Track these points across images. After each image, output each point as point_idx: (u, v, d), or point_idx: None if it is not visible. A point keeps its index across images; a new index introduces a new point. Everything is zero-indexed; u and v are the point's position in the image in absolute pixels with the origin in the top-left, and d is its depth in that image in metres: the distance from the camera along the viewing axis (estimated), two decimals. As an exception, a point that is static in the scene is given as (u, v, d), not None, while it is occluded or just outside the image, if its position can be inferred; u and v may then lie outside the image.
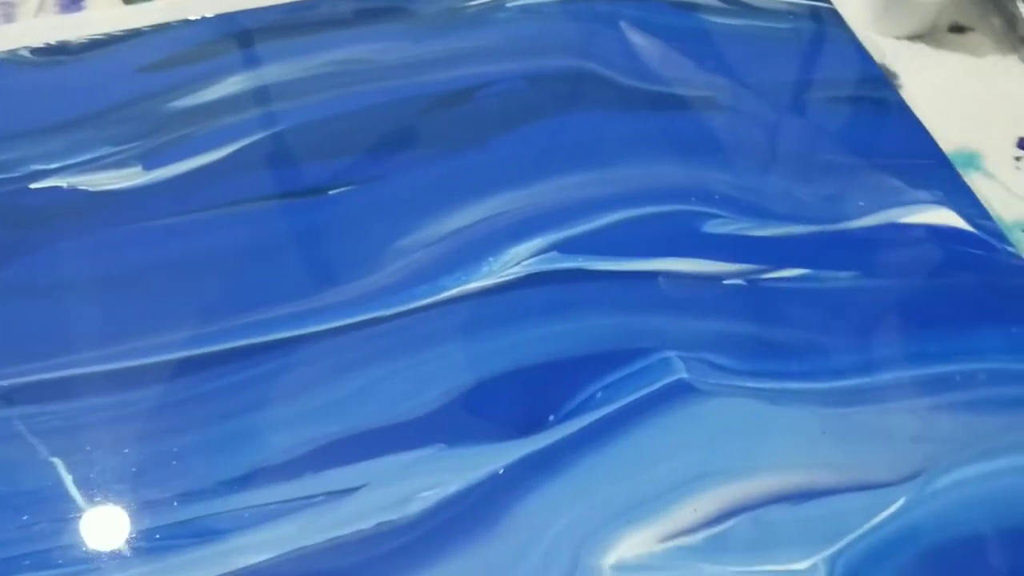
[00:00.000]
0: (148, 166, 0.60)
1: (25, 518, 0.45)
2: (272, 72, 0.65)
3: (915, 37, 0.72)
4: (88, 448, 0.48)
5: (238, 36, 0.68)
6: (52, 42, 0.66)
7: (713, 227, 0.58)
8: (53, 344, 0.52)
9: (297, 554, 0.45)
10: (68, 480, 0.47)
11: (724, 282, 0.55)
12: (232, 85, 0.65)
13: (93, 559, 0.45)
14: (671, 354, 0.51)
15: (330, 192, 0.59)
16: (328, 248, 0.56)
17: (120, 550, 0.45)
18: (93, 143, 0.61)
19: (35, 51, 0.66)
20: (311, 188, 0.59)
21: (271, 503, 0.47)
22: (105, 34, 0.68)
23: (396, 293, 0.54)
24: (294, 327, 0.52)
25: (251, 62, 0.66)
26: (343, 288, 0.54)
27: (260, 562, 0.45)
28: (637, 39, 0.70)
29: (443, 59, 0.68)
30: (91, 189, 0.59)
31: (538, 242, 0.56)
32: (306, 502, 0.47)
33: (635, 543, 0.45)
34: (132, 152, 0.60)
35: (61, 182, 0.59)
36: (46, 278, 0.55)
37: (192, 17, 0.69)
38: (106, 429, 0.49)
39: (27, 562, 0.44)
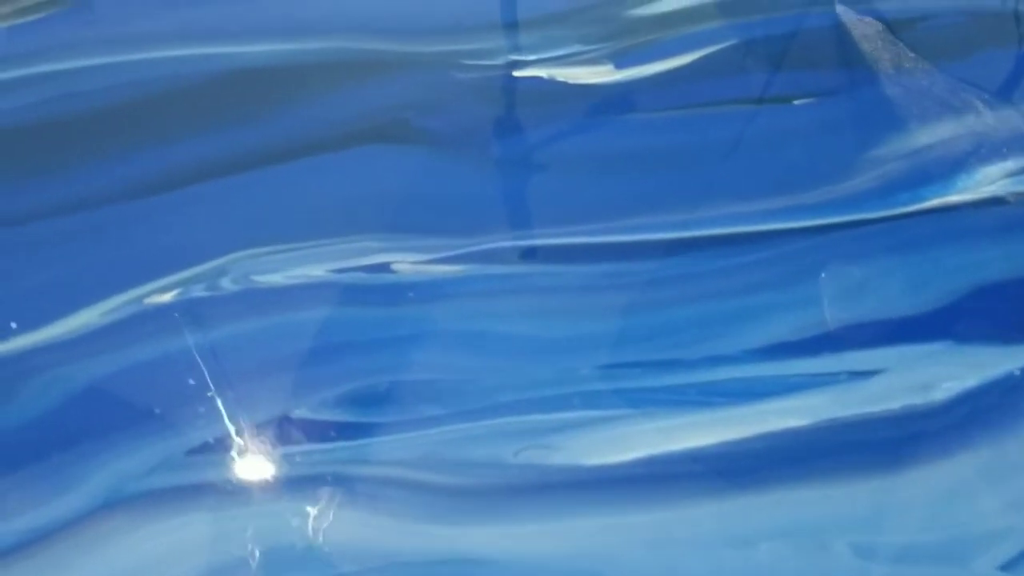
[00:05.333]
0: (619, 65, 0.63)
1: (560, 367, 0.49)
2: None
3: None
4: (608, 308, 0.51)
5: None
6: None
7: None
8: (559, 212, 0.56)
9: (829, 423, 0.47)
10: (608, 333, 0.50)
11: None
12: (682, -1, 0.67)
13: (640, 403, 0.47)
14: None
15: (795, 102, 0.61)
16: (801, 152, 0.58)
17: (657, 404, 0.48)
18: (564, 40, 0.64)
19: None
20: (777, 96, 0.61)
21: (796, 375, 0.49)
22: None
23: (879, 198, 0.55)
24: (779, 220, 0.54)
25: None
26: (824, 189, 0.56)
27: (798, 427, 0.47)
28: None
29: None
30: (569, 81, 0.62)
31: (1009, 165, 0.57)
32: (830, 378, 0.49)
33: None
34: (602, 52, 0.64)
35: (542, 72, 0.62)
36: (541, 155, 0.58)
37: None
38: (618, 293, 0.52)
39: (576, 401, 0.48)
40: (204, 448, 0.48)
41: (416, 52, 0.64)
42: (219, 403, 0.49)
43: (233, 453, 0.48)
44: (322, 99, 0.62)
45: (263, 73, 0.63)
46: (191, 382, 0.50)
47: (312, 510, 0.45)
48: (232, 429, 0.48)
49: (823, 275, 0.52)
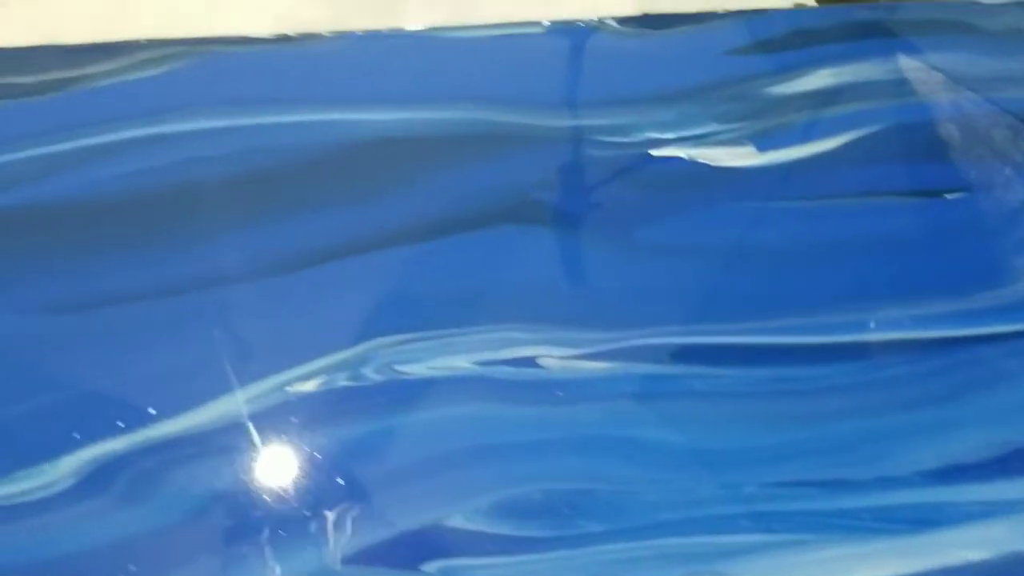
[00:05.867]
0: (760, 147, 0.61)
1: (723, 483, 0.47)
2: (859, 70, 0.65)
3: None
4: (770, 418, 0.49)
5: (814, 32, 0.68)
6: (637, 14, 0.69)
7: None
8: (709, 306, 0.54)
9: (1015, 556, 0.45)
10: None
11: None
12: (823, 78, 0.65)
13: (812, 528, 0.45)
14: None
15: (947, 196, 0.58)
16: (962, 250, 0.56)
17: (830, 530, 0.46)
18: (701, 118, 0.62)
19: (621, 21, 0.69)
20: (926, 189, 0.59)
21: (973, 501, 0.46)
22: (673, 12, 0.69)
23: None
24: (948, 326, 0.52)
25: (835, 58, 0.66)
26: (992, 293, 0.54)
27: (979, 560, 0.45)
28: None
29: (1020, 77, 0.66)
30: (710, 163, 0.60)
31: None
32: (1008, 507, 0.46)
33: None
34: (741, 132, 0.62)
35: (680, 152, 0.61)
36: (684, 242, 0.56)
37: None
38: (779, 402, 0.50)
39: (743, 523, 0.45)
40: (356, 558, 0.46)
41: (547, 126, 0.62)
42: (369, 505, 0.47)
43: (382, 563, 0.46)
44: (452, 173, 0.60)
45: (389, 143, 0.61)
46: (339, 481, 0.48)
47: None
48: (383, 535, 0.46)
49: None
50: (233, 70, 0.65)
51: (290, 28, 0.70)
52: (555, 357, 0.52)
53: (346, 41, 0.67)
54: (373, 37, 0.68)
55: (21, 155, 0.60)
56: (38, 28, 0.70)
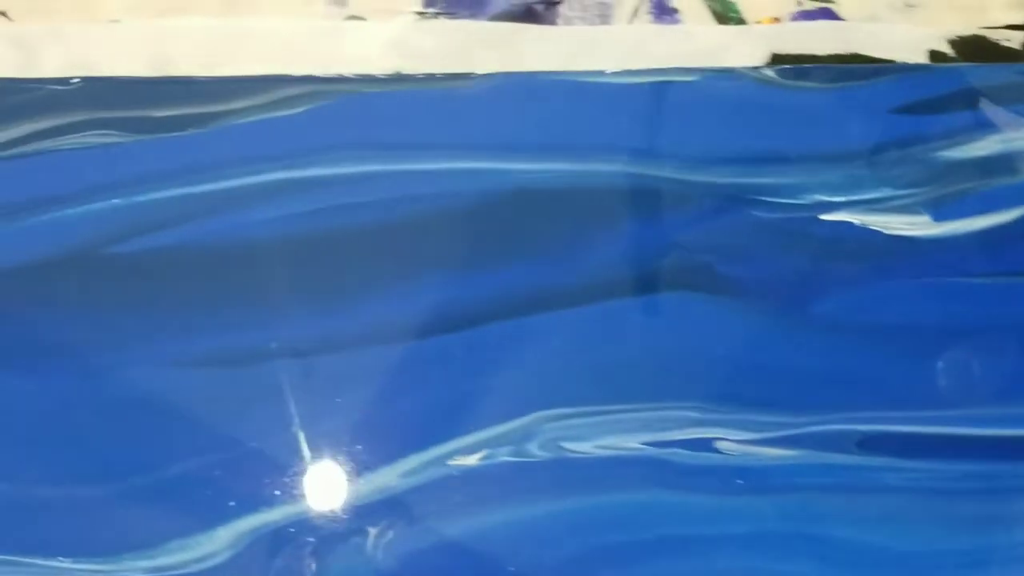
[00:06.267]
0: (937, 217, 0.57)
1: None
2: (1035, 134, 0.61)
3: None
4: (969, 520, 0.46)
5: (980, 92, 0.64)
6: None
7: None
8: (898, 390, 0.51)
9: None
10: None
11: None
12: (996, 144, 0.61)
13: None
14: None
15: None
16: None
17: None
18: (871, 182, 0.59)
19: (781, 72, 0.65)
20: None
21: None
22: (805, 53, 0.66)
23: None
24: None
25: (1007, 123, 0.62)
26: None
27: None
28: None
29: None
30: (884, 231, 0.56)
31: None
32: None
33: None
34: (916, 199, 0.58)
35: (852, 218, 0.57)
36: (864, 318, 0.53)
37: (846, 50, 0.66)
38: (980, 501, 0.46)
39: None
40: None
41: (705, 183, 0.58)
42: (541, 599, 0.44)
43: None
44: (605, 231, 0.56)
45: (537, 195, 0.58)
46: (510, 569, 0.45)
47: None
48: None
49: None
50: (375, 112, 0.62)
51: (408, 66, 0.67)
52: (733, 441, 0.49)
53: (490, 82, 0.64)
54: (516, 79, 0.65)
55: (162, 195, 0.57)
56: (149, 57, 0.68)
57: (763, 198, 0.58)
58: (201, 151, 0.60)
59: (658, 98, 0.63)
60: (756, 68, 0.67)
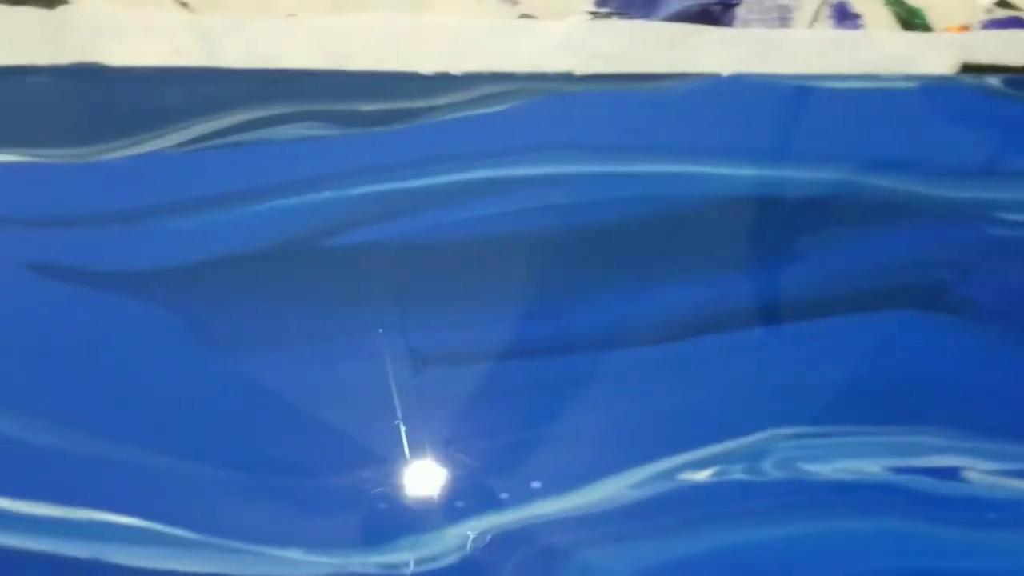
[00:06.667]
0: None
1: None
2: None
3: None
4: None
5: None
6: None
7: None
8: None
9: None
10: None
11: None
12: None
13: None
14: None
15: None
16: None
17: None
18: None
19: (1007, 82, 0.61)
20: None
21: None
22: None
23: None
24: None
25: None
26: None
27: None
28: None
29: None
30: None
31: None
32: None
33: None
34: None
35: None
36: None
37: None
38: None
39: None
40: None
41: (939, 196, 0.55)
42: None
43: None
44: (832, 242, 0.54)
45: (755, 203, 0.55)
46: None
47: None
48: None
49: None
50: (578, 112, 0.61)
51: (583, 65, 0.65)
52: (982, 471, 0.46)
53: (694, 84, 0.62)
54: (727, 81, 0.63)
55: (372, 188, 0.57)
56: (327, 53, 0.68)
57: (1003, 215, 0.55)
58: (408, 146, 0.59)
59: (878, 104, 0.61)
60: (980, 77, 0.64)
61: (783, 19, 0.71)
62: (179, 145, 0.58)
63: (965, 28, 0.68)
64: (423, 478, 0.46)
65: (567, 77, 0.63)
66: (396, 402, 0.48)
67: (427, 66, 0.66)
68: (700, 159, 0.58)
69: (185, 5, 0.70)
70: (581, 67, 0.65)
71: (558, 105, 0.61)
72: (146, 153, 0.57)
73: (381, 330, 0.51)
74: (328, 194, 0.56)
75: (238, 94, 0.60)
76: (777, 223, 0.55)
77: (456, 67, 0.66)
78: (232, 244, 0.54)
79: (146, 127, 0.59)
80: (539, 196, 0.56)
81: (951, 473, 0.46)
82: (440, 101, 0.61)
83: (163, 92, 0.61)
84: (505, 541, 0.44)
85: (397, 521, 0.45)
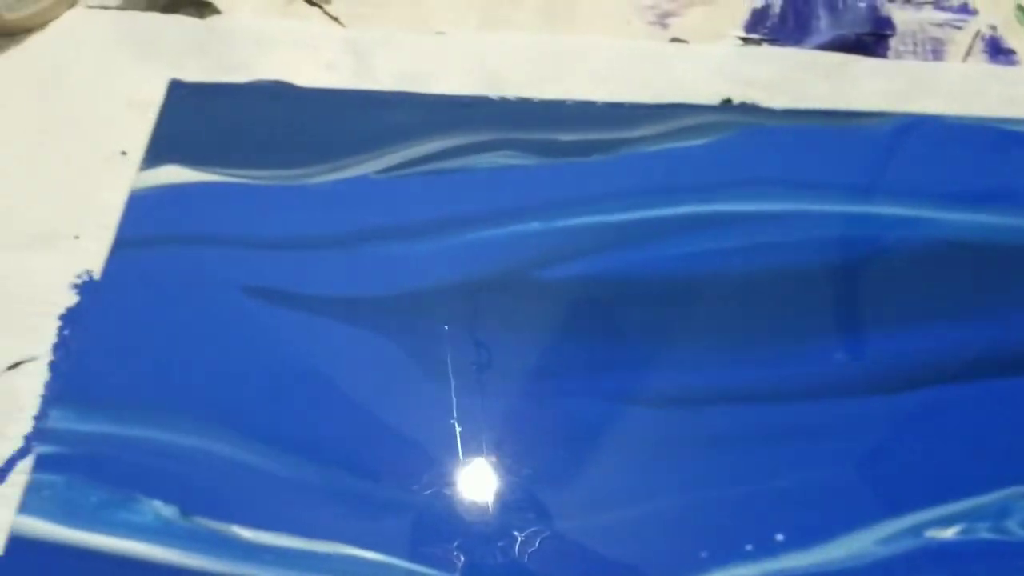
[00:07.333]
0: None
1: None
2: None
3: None
4: None
5: None
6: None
7: None
8: None
9: None
10: None
11: None
12: None
13: None
14: None
15: None
16: None
17: None
18: None
19: None
20: None
21: None
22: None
23: None
24: None
25: None
26: None
27: None
28: None
29: None
30: None
31: None
32: None
33: None
34: None
35: None
36: None
37: None
38: None
39: None
40: None
41: None
42: None
43: None
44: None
45: (980, 249, 0.54)
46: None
47: None
48: None
49: None
50: (776, 147, 0.61)
51: (737, 92, 0.65)
52: None
53: (893, 123, 0.62)
54: (928, 121, 0.62)
55: (578, 221, 0.57)
56: (478, 74, 0.67)
57: None
58: (609, 178, 0.59)
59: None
60: None
61: (936, 52, 0.70)
62: (382, 171, 0.58)
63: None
64: (663, 526, 0.45)
65: (764, 111, 0.63)
66: (625, 444, 0.48)
67: (580, 89, 0.66)
68: (910, 201, 0.57)
69: (336, 20, 0.70)
70: (737, 95, 0.65)
71: (756, 139, 0.61)
72: (350, 178, 0.57)
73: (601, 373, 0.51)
74: (535, 225, 0.56)
75: (435, 122, 0.60)
76: (995, 272, 0.54)
77: (609, 91, 0.65)
78: (444, 273, 0.54)
79: (347, 151, 0.59)
80: (750, 234, 0.56)
81: None
82: (637, 133, 0.61)
83: (357, 115, 0.61)
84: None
85: (643, 572, 0.45)
